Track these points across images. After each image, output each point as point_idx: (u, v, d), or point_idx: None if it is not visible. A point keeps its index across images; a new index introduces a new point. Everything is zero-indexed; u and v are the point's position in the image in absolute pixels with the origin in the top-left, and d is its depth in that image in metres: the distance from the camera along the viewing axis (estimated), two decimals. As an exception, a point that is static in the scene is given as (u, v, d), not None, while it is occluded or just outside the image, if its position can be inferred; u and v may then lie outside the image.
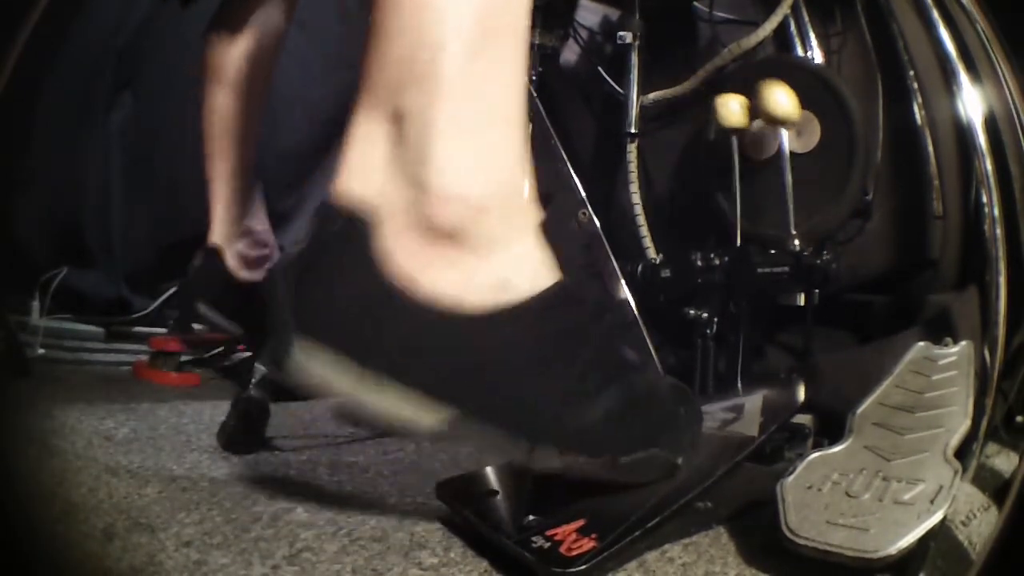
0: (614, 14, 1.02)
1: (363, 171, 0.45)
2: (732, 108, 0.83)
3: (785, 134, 0.82)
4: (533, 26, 0.97)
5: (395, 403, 0.43)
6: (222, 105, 1.00)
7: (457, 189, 0.43)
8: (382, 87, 0.44)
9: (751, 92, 0.83)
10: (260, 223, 1.05)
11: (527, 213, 0.47)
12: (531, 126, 0.99)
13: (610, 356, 0.48)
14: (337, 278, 0.43)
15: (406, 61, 0.44)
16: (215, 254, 1.00)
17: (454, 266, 0.44)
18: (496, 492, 0.53)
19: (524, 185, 0.47)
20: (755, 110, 0.83)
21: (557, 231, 0.47)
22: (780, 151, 0.82)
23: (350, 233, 0.44)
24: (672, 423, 0.51)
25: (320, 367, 0.43)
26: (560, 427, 0.45)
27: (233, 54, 0.98)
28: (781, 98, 0.80)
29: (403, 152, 0.44)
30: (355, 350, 0.42)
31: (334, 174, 0.46)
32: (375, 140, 0.45)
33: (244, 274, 1.00)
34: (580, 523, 0.47)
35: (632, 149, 0.99)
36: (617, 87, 1.01)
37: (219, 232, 1.01)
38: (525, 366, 0.44)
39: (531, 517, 0.48)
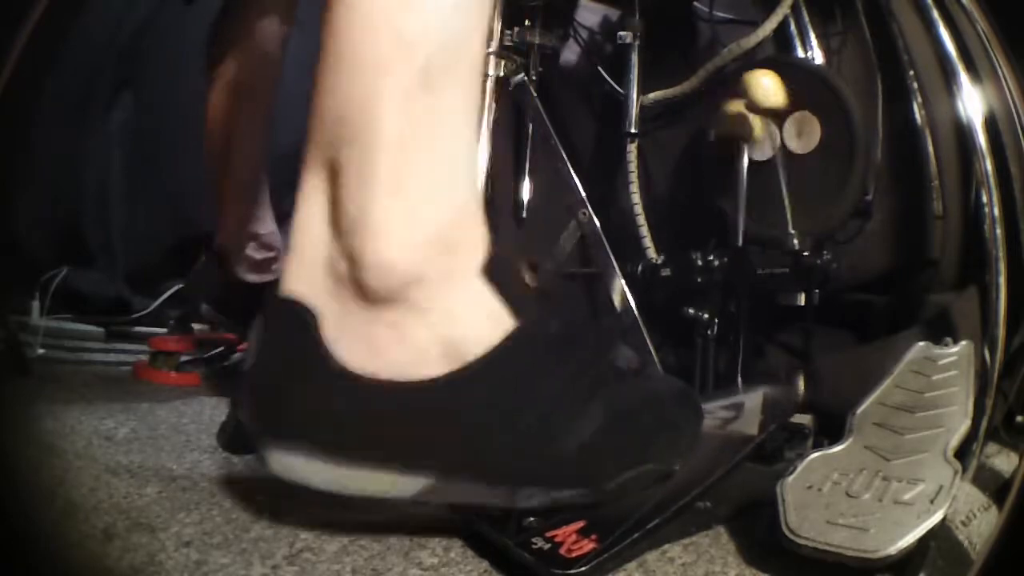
0: (614, 14, 1.02)
1: (302, 262, 0.44)
2: (740, 116, 0.84)
3: (782, 134, 0.82)
4: (533, 26, 0.97)
5: (374, 482, 0.44)
6: (226, 111, 1.00)
7: (390, 256, 0.42)
8: (321, 141, 0.43)
9: (737, 84, 0.83)
10: (266, 226, 1.05)
11: (468, 264, 0.44)
12: (530, 127, 0.99)
13: (583, 381, 0.46)
14: (291, 377, 0.43)
15: (341, 115, 0.43)
16: (219, 256, 1.00)
17: (401, 338, 0.43)
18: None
19: (466, 235, 0.45)
20: (747, 104, 0.83)
21: (503, 267, 0.45)
22: (778, 151, 0.82)
23: (294, 330, 0.43)
24: (668, 427, 0.50)
25: (297, 468, 0.44)
26: (539, 466, 0.45)
27: (236, 60, 0.98)
28: (767, 86, 0.80)
29: (340, 214, 0.43)
30: (322, 446, 0.43)
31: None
32: (314, 198, 0.44)
33: (251, 277, 1.00)
34: (580, 524, 0.47)
35: (632, 149, 0.99)
36: (617, 87, 1.01)
37: (224, 235, 1.01)
38: (493, 418, 0.44)
39: (531, 518, 0.48)
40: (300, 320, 0.43)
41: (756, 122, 0.84)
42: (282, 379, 0.44)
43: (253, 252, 1.01)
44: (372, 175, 0.42)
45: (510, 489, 0.45)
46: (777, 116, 0.82)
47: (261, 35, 0.99)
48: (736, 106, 0.84)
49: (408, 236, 0.43)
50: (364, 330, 0.43)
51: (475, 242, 0.45)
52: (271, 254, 1.03)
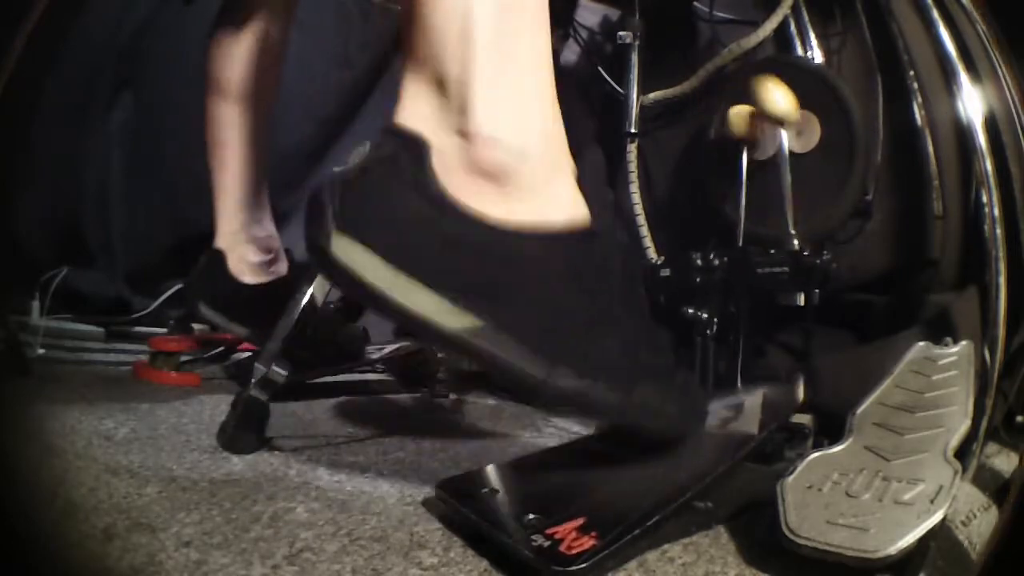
0: (614, 14, 1.02)
1: (415, 117, 0.48)
2: (746, 119, 0.84)
3: (784, 135, 0.82)
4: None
5: (424, 303, 0.44)
6: (225, 115, 1.00)
7: (499, 134, 0.47)
8: (422, 56, 0.48)
9: (747, 89, 0.83)
10: (266, 228, 1.05)
11: (563, 159, 0.50)
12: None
13: (632, 295, 0.51)
14: (385, 186, 0.45)
15: (441, 31, 0.47)
16: (218, 257, 1.00)
17: (496, 204, 0.46)
18: (496, 490, 0.53)
19: (560, 133, 0.50)
20: (756, 111, 0.83)
21: (588, 184, 0.49)
22: (779, 151, 0.82)
23: (404, 153, 0.46)
24: (685, 377, 0.55)
25: (356, 258, 0.44)
26: (581, 350, 0.47)
27: (235, 64, 0.98)
28: (778, 97, 0.80)
29: (447, 109, 0.47)
30: (393, 250, 0.45)
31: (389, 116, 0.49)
32: (421, 101, 0.48)
33: (248, 278, 1.00)
34: (580, 521, 0.47)
35: (632, 149, 0.99)
36: (617, 87, 1.01)
37: (223, 237, 1.01)
38: (554, 289, 0.47)
39: (531, 515, 0.48)
40: (416, 144, 0.46)
41: (759, 124, 0.84)
42: (375, 184, 0.45)
43: (252, 254, 1.02)
44: (474, 73, 0.46)
45: (548, 362, 0.46)
46: (782, 122, 0.82)
47: (261, 36, 0.99)
48: (740, 108, 0.84)
49: (510, 123, 0.47)
50: (466, 186, 0.46)
51: (565, 152, 0.50)
52: (269, 256, 1.03)
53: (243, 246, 1.01)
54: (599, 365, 0.48)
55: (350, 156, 0.49)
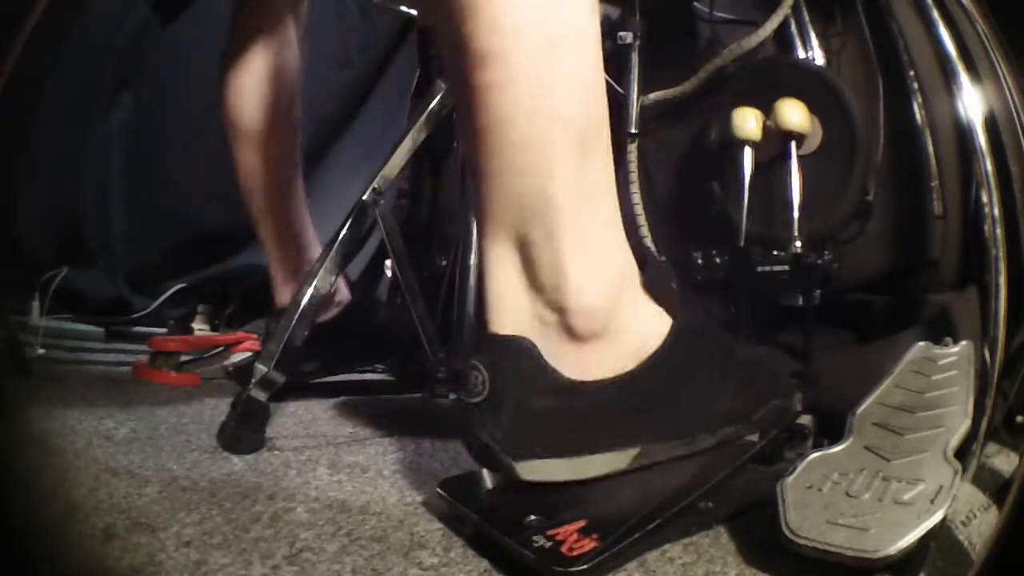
0: (614, 14, 1.02)
1: (508, 313, 0.51)
2: (750, 123, 0.85)
3: (794, 146, 0.82)
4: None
5: (600, 464, 0.50)
6: (252, 161, 0.97)
7: (591, 303, 0.50)
8: (502, 218, 0.50)
9: (766, 108, 0.83)
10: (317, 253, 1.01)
11: (636, 288, 0.53)
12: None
13: (724, 351, 0.58)
14: (523, 398, 0.50)
15: (520, 193, 0.49)
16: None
17: (603, 358, 0.51)
18: (497, 491, 0.53)
19: (635, 270, 0.53)
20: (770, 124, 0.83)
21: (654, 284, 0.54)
22: (788, 157, 0.82)
23: (522, 357, 0.50)
24: (776, 375, 0.63)
25: (542, 470, 0.49)
26: (708, 416, 0.54)
27: (252, 107, 0.96)
28: (796, 116, 0.81)
29: (538, 277, 0.50)
30: (556, 445, 0.50)
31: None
32: (507, 265, 0.51)
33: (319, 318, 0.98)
34: (581, 523, 0.47)
35: (632, 149, 0.99)
36: (617, 87, 1.00)
37: (282, 294, 0.99)
38: (675, 392, 0.53)
39: (532, 517, 0.48)
40: (526, 349, 0.50)
41: (766, 129, 0.84)
42: (517, 395, 0.50)
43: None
44: (561, 242, 0.49)
45: (690, 440, 0.53)
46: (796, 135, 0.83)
47: (273, 77, 0.96)
48: (744, 111, 0.84)
49: (600, 284, 0.51)
50: (573, 358, 0.50)
51: (634, 268, 0.53)
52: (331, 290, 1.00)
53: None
54: (721, 419, 0.55)
55: (465, 376, 0.51)
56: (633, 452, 0.51)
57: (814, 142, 0.86)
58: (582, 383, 0.50)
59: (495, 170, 0.50)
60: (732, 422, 0.56)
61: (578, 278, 0.49)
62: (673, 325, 0.53)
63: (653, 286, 0.53)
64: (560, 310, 0.50)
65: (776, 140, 0.85)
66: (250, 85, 0.96)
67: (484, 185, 0.50)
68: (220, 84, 0.97)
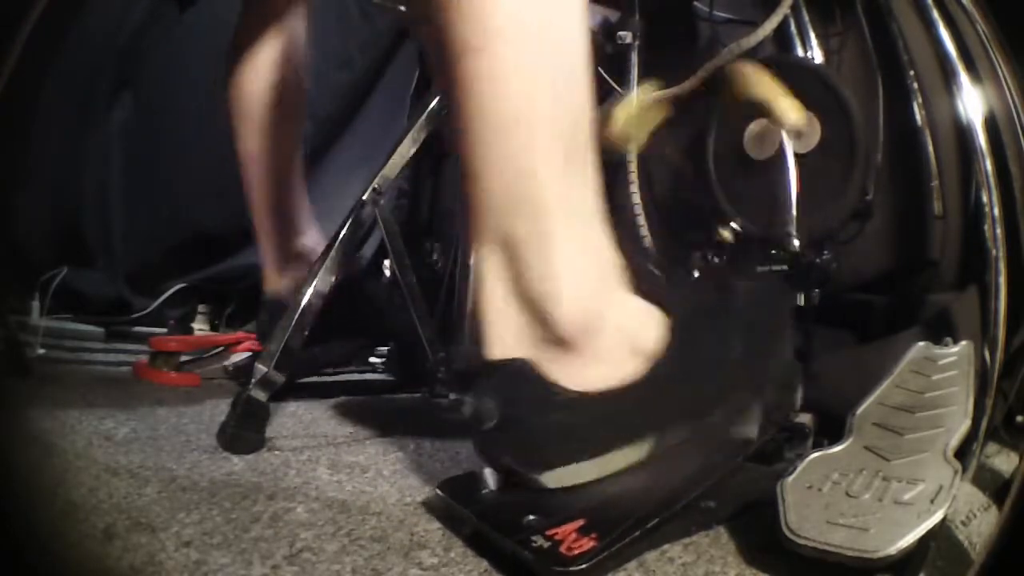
0: (614, 14, 1.02)
1: (504, 334, 0.51)
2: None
3: (786, 138, 0.82)
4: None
5: (619, 460, 0.52)
6: (255, 149, 0.98)
7: (577, 311, 0.50)
8: (488, 217, 0.50)
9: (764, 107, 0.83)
10: (313, 239, 1.03)
11: (623, 288, 0.53)
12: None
13: (722, 317, 0.58)
14: (538, 412, 0.51)
15: (505, 192, 0.49)
16: (275, 304, 0.97)
17: (600, 361, 0.51)
18: (497, 491, 0.53)
19: (614, 268, 0.53)
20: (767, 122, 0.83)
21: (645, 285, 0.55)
22: (783, 153, 0.82)
23: (523, 380, 0.50)
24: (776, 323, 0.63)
25: (569, 476, 0.51)
26: (713, 400, 0.55)
27: (256, 96, 0.96)
28: (792, 114, 0.81)
29: (521, 276, 0.50)
30: (582, 451, 0.51)
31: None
32: (496, 281, 0.51)
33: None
34: (580, 523, 0.47)
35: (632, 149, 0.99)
36: (617, 87, 1.00)
37: (271, 280, 1.00)
38: (677, 382, 0.53)
39: (531, 516, 0.48)
40: (524, 371, 0.50)
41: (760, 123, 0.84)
42: (532, 416, 0.51)
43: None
44: (548, 248, 0.49)
45: (700, 422, 0.54)
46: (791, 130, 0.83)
47: (279, 65, 0.96)
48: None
49: (586, 290, 0.51)
50: (570, 369, 0.51)
51: (618, 269, 0.54)
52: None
53: (292, 268, 0.99)
54: (729, 396, 0.55)
55: (475, 409, 0.52)
56: (648, 444, 0.52)
57: (812, 140, 0.86)
58: (588, 394, 0.51)
59: (479, 168, 0.50)
60: (741, 388, 0.56)
61: (564, 286, 0.50)
62: (668, 321, 0.54)
63: (640, 287, 0.54)
64: (546, 322, 0.50)
65: (774, 139, 0.84)
66: (259, 67, 0.96)
67: (470, 186, 0.51)
68: (228, 65, 0.97)
